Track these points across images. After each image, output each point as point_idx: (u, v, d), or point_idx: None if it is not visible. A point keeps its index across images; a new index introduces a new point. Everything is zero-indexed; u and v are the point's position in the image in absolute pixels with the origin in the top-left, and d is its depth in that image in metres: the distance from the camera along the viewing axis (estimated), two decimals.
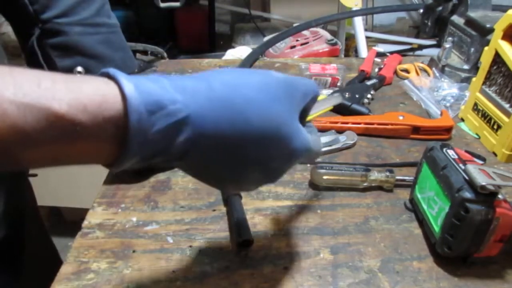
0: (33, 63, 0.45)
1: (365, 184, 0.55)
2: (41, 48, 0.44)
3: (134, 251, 0.46)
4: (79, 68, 0.44)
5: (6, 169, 0.23)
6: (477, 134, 0.67)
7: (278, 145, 0.29)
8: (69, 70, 0.45)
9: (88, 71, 0.45)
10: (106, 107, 0.24)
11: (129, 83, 0.25)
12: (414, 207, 0.52)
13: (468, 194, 0.40)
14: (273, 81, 0.30)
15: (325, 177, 0.54)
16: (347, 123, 0.67)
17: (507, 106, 0.60)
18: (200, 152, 0.27)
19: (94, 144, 0.24)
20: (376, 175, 0.54)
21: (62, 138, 0.23)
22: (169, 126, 0.25)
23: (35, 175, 0.72)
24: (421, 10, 0.92)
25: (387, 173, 0.55)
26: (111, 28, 0.46)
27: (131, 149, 0.25)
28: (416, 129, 0.66)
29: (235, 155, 0.28)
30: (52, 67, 0.45)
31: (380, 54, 0.93)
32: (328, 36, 1.26)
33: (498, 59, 0.62)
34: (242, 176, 0.30)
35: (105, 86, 0.25)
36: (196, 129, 0.26)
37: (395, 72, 0.85)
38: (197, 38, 2.54)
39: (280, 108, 0.29)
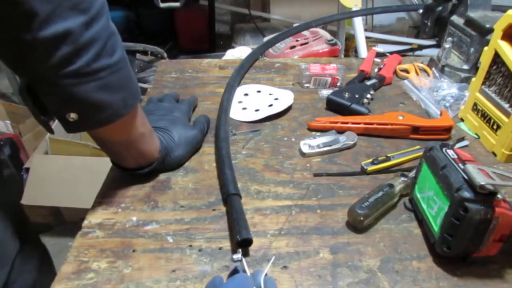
0: (25, 103, 0.42)
1: (396, 199, 0.53)
2: (32, 93, 0.40)
3: (134, 251, 0.46)
4: (73, 115, 0.41)
5: None
6: (476, 134, 0.68)
7: None
8: (62, 115, 0.41)
9: (83, 117, 0.41)
10: None
11: None
12: (413, 207, 0.52)
13: (467, 194, 0.40)
14: None
15: (366, 221, 0.49)
16: (347, 123, 0.67)
17: (506, 106, 0.60)
18: None
19: None
20: (399, 187, 0.52)
21: None
22: None
23: None
24: (421, 10, 0.93)
25: (403, 179, 0.53)
26: (113, 68, 0.40)
27: None
28: (415, 129, 0.66)
29: None
30: (43, 111, 0.42)
31: (379, 54, 0.93)
32: (328, 36, 1.27)
33: (497, 59, 0.62)
34: None
35: None
36: None
37: (395, 72, 0.85)
38: (197, 38, 2.54)
39: None
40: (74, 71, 0.37)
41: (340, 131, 0.66)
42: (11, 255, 0.52)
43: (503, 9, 0.69)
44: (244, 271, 0.39)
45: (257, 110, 0.72)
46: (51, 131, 0.48)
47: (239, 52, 1.09)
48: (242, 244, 0.45)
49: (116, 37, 0.41)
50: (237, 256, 0.40)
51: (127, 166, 0.53)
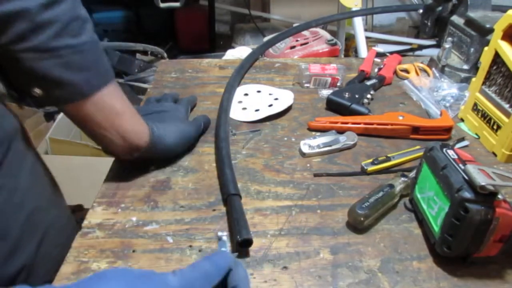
0: None
1: (396, 200, 0.53)
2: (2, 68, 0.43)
3: (134, 251, 0.46)
4: (37, 90, 0.43)
5: None
6: (476, 134, 0.67)
7: None
8: (27, 90, 0.43)
9: (47, 92, 0.43)
10: None
11: None
12: (413, 207, 0.52)
13: (467, 194, 0.40)
14: None
15: (366, 222, 0.49)
16: (347, 123, 0.67)
17: (506, 106, 0.60)
18: None
19: None
20: (400, 187, 0.52)
21: None
22: None
23: None
24: (421, 10, 0.92)
25: (403, 179, 0.53)
26: (76, 48, 0.42)
27: None
28: (415, 129, 0.66)
29: None
30: (9, 85, 0.45)
31: (379, 54, 0.93)
32: (328, 36, 1.27)
33: (497, 59, 0.62)
34: None
35: None
36: None
37: (395, 72, 0.85)
38: (197, 38, 2.54)
39: None
40: (32, 47, 0.40)
41: (340, 131, 0.66)
42: (43, 224, 0.52)
43: (503, 9, 0.69)
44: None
45: (257, 110, 0.72)
46: (25, 105, 0.49)
47: (239, 52, 1.09)
48: (242, 244, 0.45)
49: (83, 22, 0.43)
50: (223, 233, 0.41)
51: (116, 152, 0.53)
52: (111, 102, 0.48)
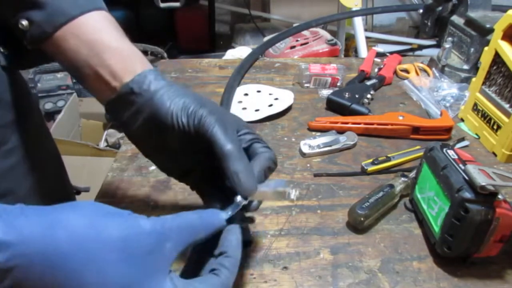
0: None
1: (396, 200, 0.53)
2: None
3: None
4: (23, 21, 0.41)
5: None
6: (476, 134, 0.67)
7: None
8: (15, 21, 0.41)
9: (31, 22, 0.40)
10: None
11: None
12: (414, 207, 0.52)
13: (468, 194, 0.40)
14: (135, 238, 0.27)
15: (366, 222, 0.49)
16: (347, 123, 0.67)
17: (507, 106, 0.60)
18: None
19: None
20: (400, 187, 0.52)
21: None
22: None
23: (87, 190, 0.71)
24: (421, 10, 0.92)
25: (403, 179, 0.53)
26: None
27: None
28: (416, 129, 0.66)
29: None
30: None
31: (380, 54, 0.93)
32: (328, 36, 1.27)
33: (498, 59, 0.62)
34: None
35: None
36: (17, 281, 0.24)
37: (395, 72, 0.85)
38: (197, 38, 2.54)
39: (131, 272, 0.26)
40: None
41: (340, 131, 0.66)
42: (49, 195, 0.52)
43: (503, 9, 0.69)
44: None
45: (257, 110, 0.71)
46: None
47: (239, 52, 1.09)
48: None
49: None
50: (240, 199, 0.35)
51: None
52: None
